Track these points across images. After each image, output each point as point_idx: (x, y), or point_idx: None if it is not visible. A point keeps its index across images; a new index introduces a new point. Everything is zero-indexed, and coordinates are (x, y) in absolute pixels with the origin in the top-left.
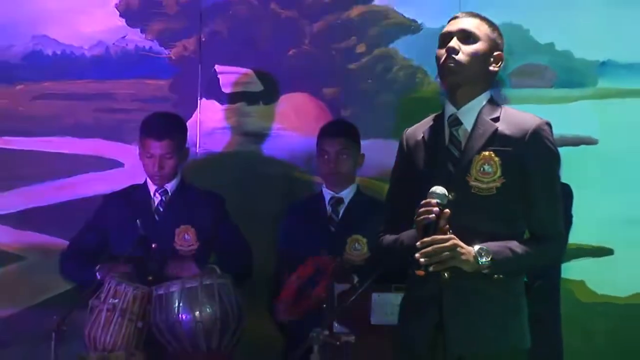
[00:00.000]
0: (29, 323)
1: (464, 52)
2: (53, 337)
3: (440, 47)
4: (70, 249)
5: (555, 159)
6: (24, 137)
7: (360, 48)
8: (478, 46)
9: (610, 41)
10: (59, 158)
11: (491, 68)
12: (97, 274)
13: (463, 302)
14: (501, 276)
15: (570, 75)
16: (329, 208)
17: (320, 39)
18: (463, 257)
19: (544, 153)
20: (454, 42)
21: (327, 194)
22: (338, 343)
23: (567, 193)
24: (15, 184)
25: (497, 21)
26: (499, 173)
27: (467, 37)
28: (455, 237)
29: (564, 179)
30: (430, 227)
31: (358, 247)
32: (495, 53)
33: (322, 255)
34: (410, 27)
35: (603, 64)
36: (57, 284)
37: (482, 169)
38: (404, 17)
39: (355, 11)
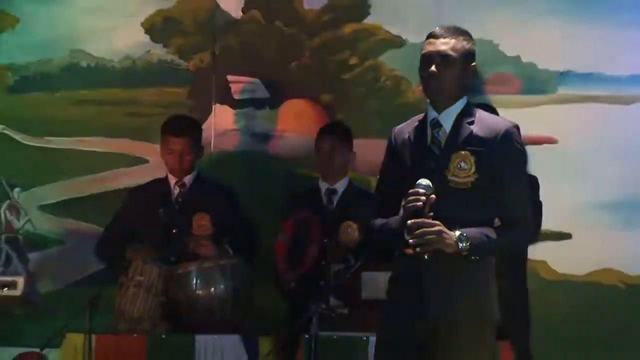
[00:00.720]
0: (67, 298)
1: (443, 75)
2: (88, 309)
3: (424, 67)
4: (104, 235)
5: (523, 157)
6: (62, 137)
7: (353, 60)
8: (456, 68)
9: (569, 54)
10: (92, 155)
11: (466, 79)
12: (127, 255)
13: (440, 278)
14: (477, 257)
15: (533, 83)
16: (324, 198)
17: (318, 52)
18: (447, 241)
19: (512, 151)
20: (433, 69)
21: (323, 186)
22: (333, 315)
23: (534, 184)
24: (55, 178)
25: None
26: (473, 169)
27: (445, 60)
28: (440, 223)
29: (531, 172)
30: (417, 213)
31: (349, 231)
32: (471, 65)
33: (300, 213)
34: (396, 42)
35: (562, 73)
36: (91, 264)
37: (459, 165)
38: (391, 33)
39: (349, 28)
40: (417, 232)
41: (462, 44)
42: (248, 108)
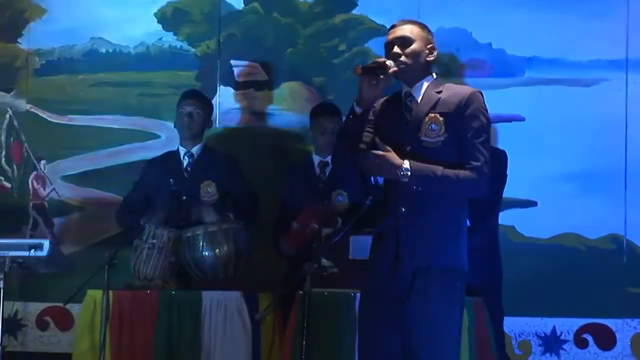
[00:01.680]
0: (87, 258)
1: (405, 54)
2: (106, 268)
3: (387, 52)
4: (124, 202)
5: (484, 116)
6: (83, 115)
7: (342, 47)
8: (414, 46)
9: (536, 41)
10: (110, 131)
11: (428, 58)
12: (141, 220)
13: (415, 229)
14: (419, 188)
15: (503, 67)
16: (317, 169)
17: (311, 40)
18: (390, 166)
19: (476, 110)
20: (396, 49)
21: (316, 158)
22: (325, 273)
23: (503, 157)
24: (77, 151)
25: (446, 26)
26: (443, 130)
27: (404, 41)
28: (391, 151)
29: (501, 147)
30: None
31: (341, 199)
32: (428, 46)
33: (314, 205)
34: (381, 31)
35: (530, 59)
36: (109, 228)
37: (429, 127)
38: (376, 23)
39: (339, 18)
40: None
41: (417, 29)
42: (249, 89)
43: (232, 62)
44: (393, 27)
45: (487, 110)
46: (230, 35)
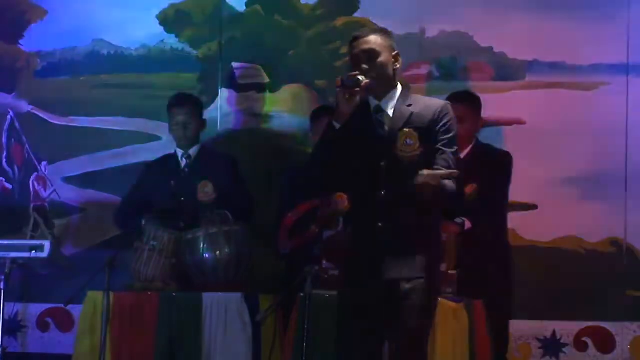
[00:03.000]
0: (88, 260)
1: (372, 69)
2: (106, 270)
3: (354, 66)
4: (122, 204)
5: (454, 127)
6: (85, 117)
7: (344, 50)
8: (381, 59)
9: (537, 44)
10: (111, 133)
11: (395, 67)
12: (142, 221)
13: (392, 243)
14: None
15: (504, 71)
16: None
17: (312, 43)
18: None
19: (448, 123)
20: (364, 65)
21: None
22: (325, 275)
23: (508, 158)
24: (78, 153)
25: (447, 30)
26: (418, 144)
27: (371, 55)
28: None
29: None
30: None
31: (340, 201)
32: (393, 54)
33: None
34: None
35: (531, 62)
36: (109, 230)
37: (405, 142)
38: (377, 26)
39: (340, 21)
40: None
41: (381, 39)
42: (250, 91)
43: (234, 64)
44: (356, 38)
45: (455, 120)
46: (232, 37)
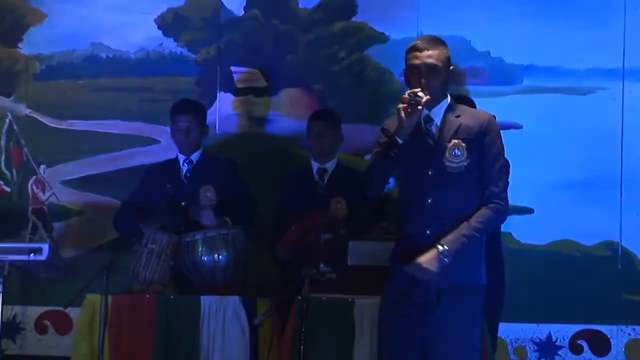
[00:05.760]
0: (87, 262)
1: (431, 83)
2: (105, 273)
3: (413, 77)
4: (122, 208)
5: (501, 140)
6: (83, 120)
7: (341, 54)
8: (442, 75)
9: (533, 49)
10: (110, 136)
11: (449, 79)
12: (141, 226)
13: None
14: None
15: (501, 75)
16: (316, 176)
17: (310, 47)
18: (433, 269)
19: (495, 137)
20: (423, 80)
21: (315, 165)
22: (323, 279)
23: (507, 165)
24: (77, 156)
25: (445, 35)
26: (465, 155)
27: (433, 71)
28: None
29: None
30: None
31: (339, 206)
32: (450, 68)
33: (315, 214)
34: (380, 38)
35: (527, 67)
36: (108, 233)
37: (453, 152)
38: (375, 30)
39: (338, 26)
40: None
41: (443, 52)
42: (248, 95)
43: (232, 68)
44: (417, 48)
45: (501, 133)
46: (230, 41)
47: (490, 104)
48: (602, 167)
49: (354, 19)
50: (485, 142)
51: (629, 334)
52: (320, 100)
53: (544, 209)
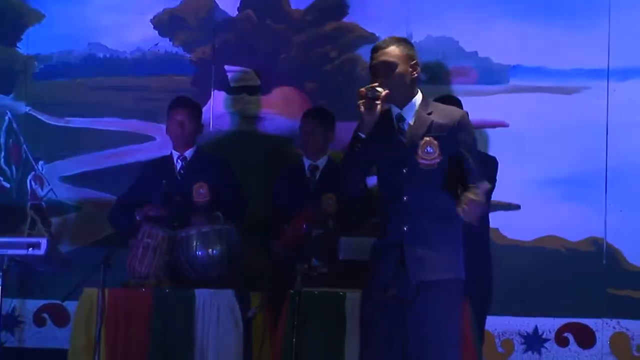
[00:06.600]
0: (84, 257)
1: (391, 80)
2: (102, 267)
3: (372, 77)
4: (116, 204)
5: (473, 134)
6: (81, 118)
7: (333, 53)
8: (399, 69)
9: (520, 50)
10: (106, 134)
11: (413, 76)
12: (137, 216)
13: (418, 246)
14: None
15: (489, 75)
16: (308, 173)
17: (303, 47)
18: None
19: (467, 133)
20: (380, 77)
21: (307, 162)
22: (315, 273)
23: (494, 163)
24: (75, 153)
25: (434, 35)
26: (438, 152)
27: (389, 67)
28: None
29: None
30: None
31: (330, 202)
32: (411, 63)
33: (308, 210)
34: (370, 38)
35: (514, 67)
36: (105, 228)
37: (426, 150)
38: (366, 30)
39: (330, 26)
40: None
41: (402, 50)
42: (242, 94)
43: (226, 67)
44: (376, 49)
45: (474, 129)
46: (225, 41)
47: (477, 103)
48: (588, 164)
49: (345, 19)
50: (458, 138)
51: (614, 327)
52: (312, 99)
53: (530, 205)
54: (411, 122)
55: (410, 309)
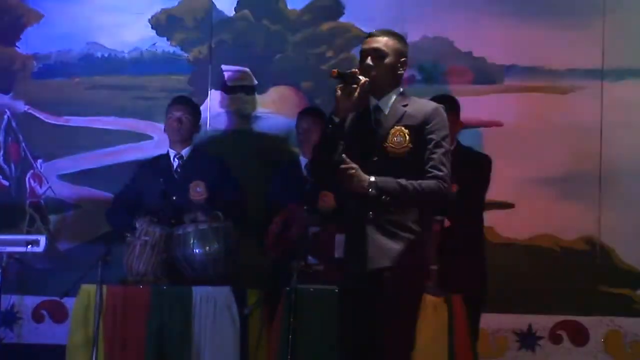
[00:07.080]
0: (82, 254)
1: (377, 67)
2: (100, 265)
3: (361, 61)
4: (114, 202)
5: (446, 130)
6: (79, 116)
7: (329, 53)
8: (387, 60)
9: (515, 50)
10: (104, 132)
11: (399, 72)
12: (134, 219)
13: (383, 232)
14: (388, 198)
15: (483, 75)
16: (304, 170)
17: (299, 46)
18: (360, 182)
19: (438, 125)
20: (369, 61)
21: (303, 160)
22: (310, 271)
23: (488, 162)
24: (73, 151)
25: (429, 35)
26: (407, 141)
27: (378, 54)
28: (357, 167)
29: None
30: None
31: (326, 200)
32: (401, 59)
33: (286, 210)
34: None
35: (509, 67)
36: (103, 226)
37: (395, 139)
38: (362, 30)
39: (326, 26)
40: (342, 166)
41: (392, 42)
42: (239, 93)
43: (223, 67)
44: (370, 35)
45: (447, 123)
46: (222, 41)
47: (472, 103)
48: (582, 163)
49: (341, 19)
50: (427, 129)
51: (607, 325)
52: (309, 98)
53: (524, 204)
54: (386, 112)
55: (377, 297)
